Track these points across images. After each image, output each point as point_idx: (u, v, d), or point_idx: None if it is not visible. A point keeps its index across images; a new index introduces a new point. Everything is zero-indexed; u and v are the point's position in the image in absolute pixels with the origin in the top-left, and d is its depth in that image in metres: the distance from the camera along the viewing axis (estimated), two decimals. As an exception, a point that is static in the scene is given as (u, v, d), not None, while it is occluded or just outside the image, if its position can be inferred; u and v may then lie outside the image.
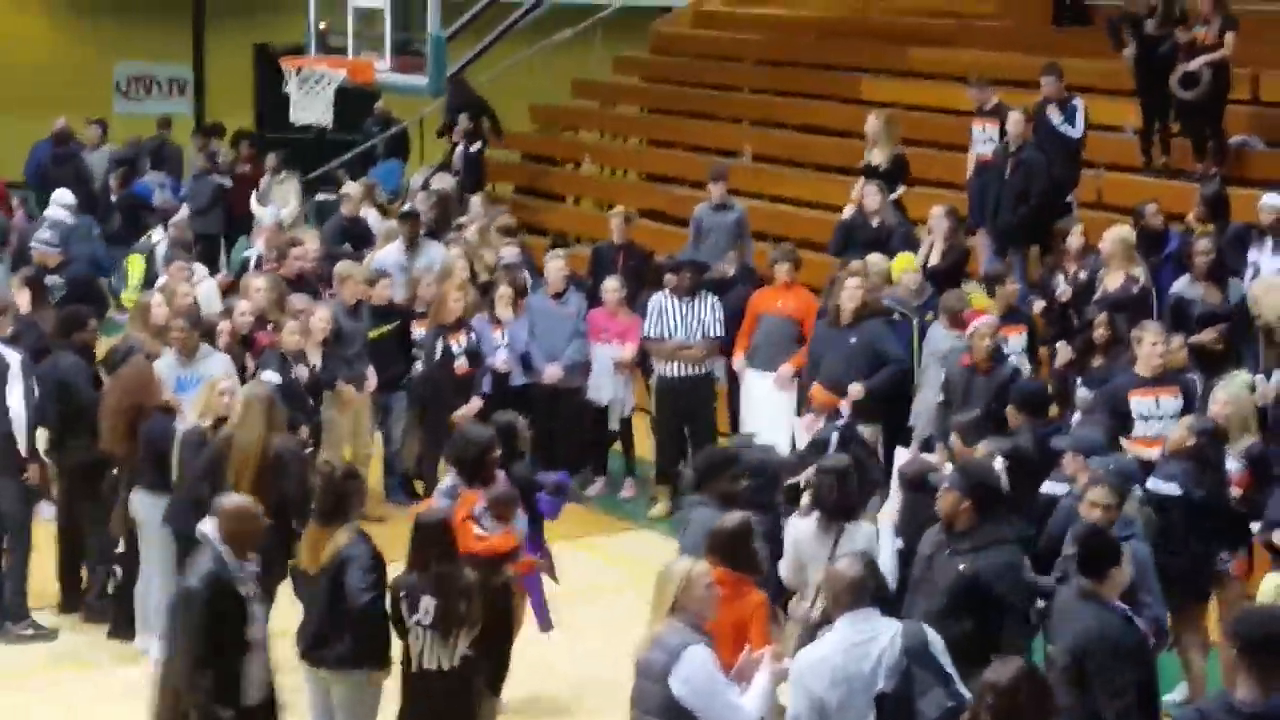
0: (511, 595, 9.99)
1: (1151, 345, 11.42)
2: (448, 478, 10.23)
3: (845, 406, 13.06)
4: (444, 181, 19.88)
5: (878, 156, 16.27)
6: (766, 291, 14.66)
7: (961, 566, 8.74)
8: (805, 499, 9.71)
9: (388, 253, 15.92)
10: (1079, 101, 15.59)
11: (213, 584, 8.48)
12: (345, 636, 8.95)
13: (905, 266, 14.13)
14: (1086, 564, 8.15)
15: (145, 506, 11.31)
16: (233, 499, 9.00)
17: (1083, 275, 13.59)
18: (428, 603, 8.79)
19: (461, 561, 9.09)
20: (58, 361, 12.06)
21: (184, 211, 17.66)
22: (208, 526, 8.71)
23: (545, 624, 10.56)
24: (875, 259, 14.37)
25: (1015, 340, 13.13)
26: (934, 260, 14.65)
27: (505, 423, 10.55)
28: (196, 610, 8.45)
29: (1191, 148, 16.08)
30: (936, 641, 7.72)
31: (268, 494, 10.24)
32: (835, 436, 11.21)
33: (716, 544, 8.47)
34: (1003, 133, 15.51)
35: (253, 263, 16.15)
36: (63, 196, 17.97)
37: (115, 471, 11.66)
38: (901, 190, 16.11)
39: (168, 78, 29.05)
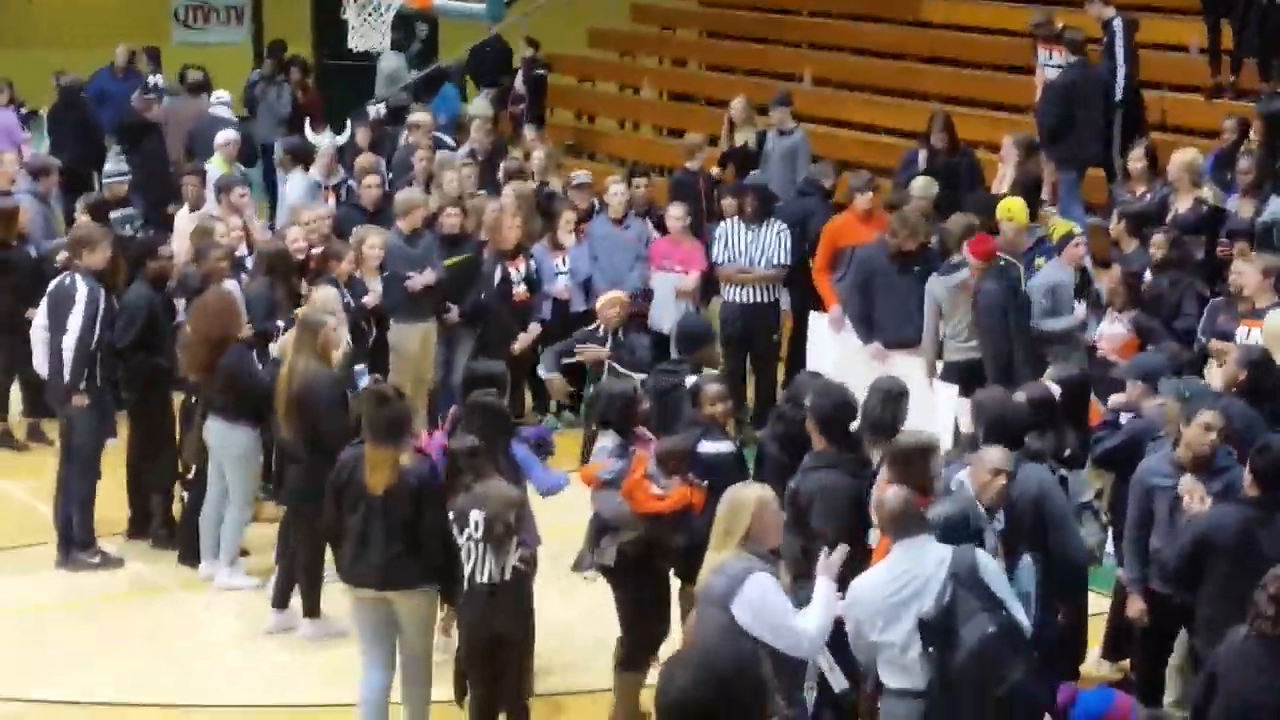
0: (678, 561, 9.49)
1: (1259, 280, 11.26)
2: (605, 439, 9.80)
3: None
4: (481, 107, 19.77)
5: (743, 138, 16.63)
6: (849, 220, 14.20)
7: (791, 484, 8.77)
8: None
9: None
10: (1117, 24, 15.27)
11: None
12: (415, 556, 8.91)
13: (1005, 215, 13.06)
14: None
15: (218, 434, 11.37)
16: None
17: (1149, 198, 13.57)
18: (476, 516, 8.84)
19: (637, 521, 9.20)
20: (131, 292, 12.13)
21: (327, 139, 17.29)
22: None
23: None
24: (921, 183, 14.16)
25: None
26: (1003, 188, 14.50)
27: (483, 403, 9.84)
28: None
29: (1258, 67, 15.89)
30: (988, 565, 7.75)
31: (299, 421, 10.34)
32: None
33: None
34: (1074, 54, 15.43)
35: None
36: (223, 95, 18.85)
37: (191, 399, 11.70)
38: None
39: (225, 5, 29.02)
